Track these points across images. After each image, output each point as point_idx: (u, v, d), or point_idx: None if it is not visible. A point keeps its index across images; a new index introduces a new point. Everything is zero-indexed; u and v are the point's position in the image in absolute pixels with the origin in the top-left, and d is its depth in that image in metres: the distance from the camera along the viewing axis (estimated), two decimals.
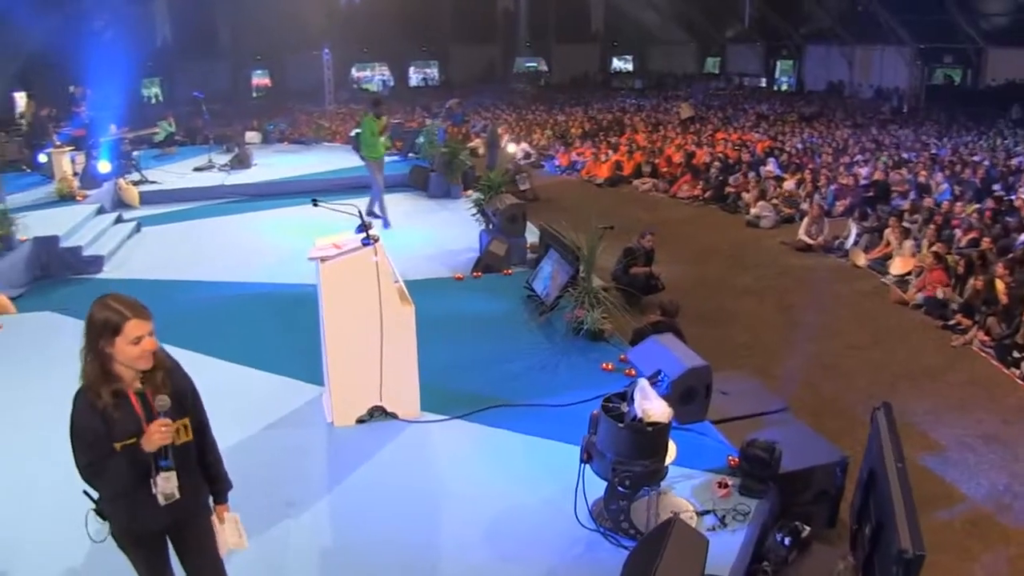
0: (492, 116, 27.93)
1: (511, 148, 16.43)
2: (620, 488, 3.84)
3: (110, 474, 2.65)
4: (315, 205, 5.13)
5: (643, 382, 4.03)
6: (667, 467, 4.03)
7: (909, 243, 10.41)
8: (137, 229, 11.35)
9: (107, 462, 2.63)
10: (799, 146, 17.35)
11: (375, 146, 11.28)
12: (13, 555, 4.05)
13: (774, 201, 13.76)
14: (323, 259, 5.00)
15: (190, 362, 6.24)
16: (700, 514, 4.19)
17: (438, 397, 5.63)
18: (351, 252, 4.98)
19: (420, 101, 31.00)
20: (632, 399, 3.95)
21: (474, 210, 10.54)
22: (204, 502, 3.04)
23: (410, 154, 16.11)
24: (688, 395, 5.14)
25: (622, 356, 6.34)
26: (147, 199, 12.97)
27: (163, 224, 11.82)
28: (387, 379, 5.25)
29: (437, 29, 40.08)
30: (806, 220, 12.16)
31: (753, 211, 13.43)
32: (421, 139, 15.61)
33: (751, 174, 14.93)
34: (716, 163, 15.62)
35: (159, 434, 2.63)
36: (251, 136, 18.81)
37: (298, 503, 4.47)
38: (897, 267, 10.16)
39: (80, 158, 12.82)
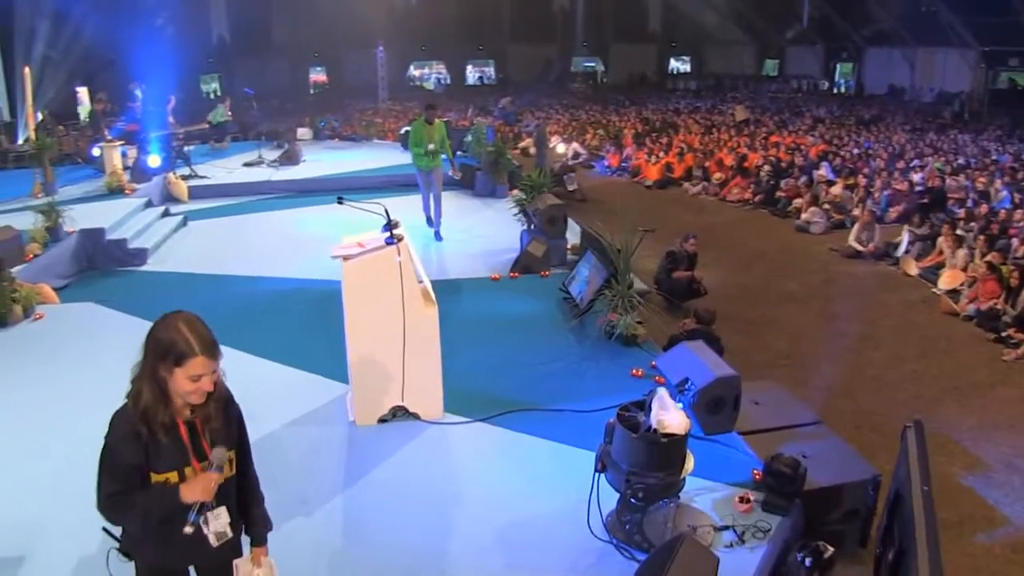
0: (544, 116, 27.87)
1: (560, 148, 16.33)
2: (633, 500, 3.73)
3: (138, 509, 2.42)
4: (340, 203, 5.11)
5: (662, 391, 3.91)
6: (684, 480, 3.91)
7: (962, 252, 10.01)
8: (183, 223, 11.57)
9: (135, 496, 2.42)
10: (854, 151, 16.85)
11: (418, 155, 10.28)
12: (38, 537, 4.13)
13: (825, 206, 13.40)
14: (346, 257, 4.99)
15: (233, 360, 6.42)
16: (718, 529, 4.05)
17: (463, 399, 5.59)
18: (374, 251, 4.96)
19: (475, 100, 31.10)
20: (649, 408, 3.84)
21: (516, 210, 10.47)
22: (236, 543, 2.77)
23: (458, 152, 16.12)
24: (716, 405, 4.99)
25: (653, 363, 6.20)
26: (195, 193, 13.22)
27: (209, 218, 12.03)
28: (409, 380, 5.22)
29: (494, 28, 40.21)
30: (856, 226, 11.81)
31: (803, 216, 13.10)
32: (469, 138, 15.61)
33: (803, 178, 14.57)
34: (767, 166, 15.27)
35: (203, 489, 2.45)
36: (302, 132, 19.06)
37: (311, 501, 4.46)
38: (946, 281, 9.78)
39: (132, 152, 13.16)
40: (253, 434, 5.08)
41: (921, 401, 7.36)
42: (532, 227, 9.77)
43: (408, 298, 5.03)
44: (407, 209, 9.51)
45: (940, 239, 10.53)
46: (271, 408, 5.57)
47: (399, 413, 5.33)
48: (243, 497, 2.79)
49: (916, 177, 13.86)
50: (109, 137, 12.39)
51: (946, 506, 5.72)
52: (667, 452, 3.69)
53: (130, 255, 9.82)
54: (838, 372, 7.99)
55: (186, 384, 2.42)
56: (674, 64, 43.01)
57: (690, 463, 3.86)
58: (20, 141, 15.01)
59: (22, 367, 6.51)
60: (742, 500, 4.26)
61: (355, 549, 4.09)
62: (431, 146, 10.12)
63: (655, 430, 3.66)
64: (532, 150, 17.84)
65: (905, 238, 11.24)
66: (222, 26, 33.94)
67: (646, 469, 3.70)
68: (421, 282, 5.22)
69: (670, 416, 3.72)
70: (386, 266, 4.93)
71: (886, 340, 8.76)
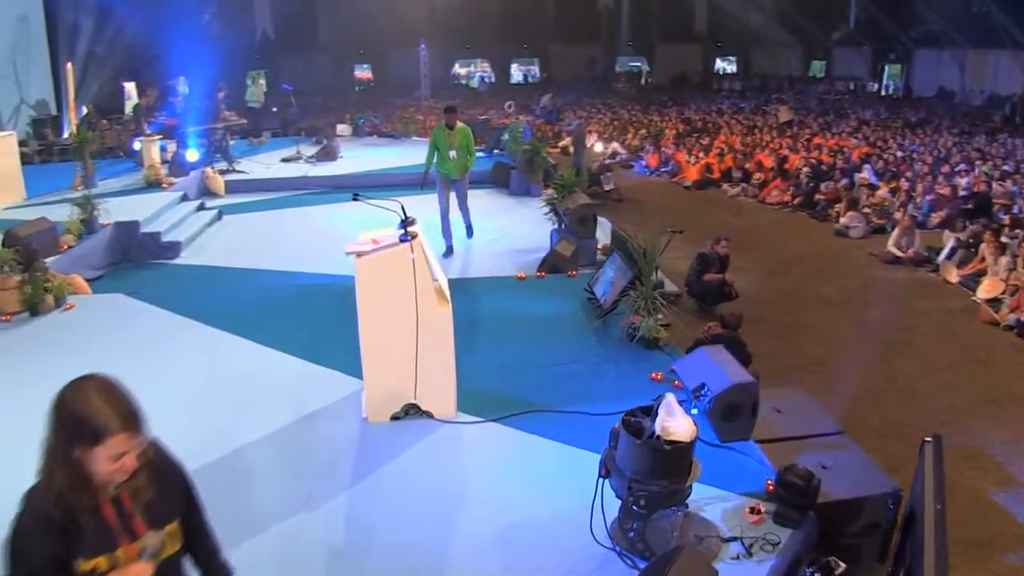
0: (586, 115, 27.73)
1: (598, 147, 16.19)
2: (635, 508, 3.65)
3: None
4: (355, 199, 5.11)
5: (669, 396, 3.82)
6: (691, 488, 3.81)
7: (1005, 259, 9.67)
8: (218, 217, 11.73)
9: None
10: (898, 154, 16.40)
11: (442, 160, 9.66)
12: None
13: (865, 210, 13.07)
14: (359, 254, 4.98)
15: (239, 349, 6.44)
16: (725, 540, 3.93)
17: (478, 398, 5.55)
18: (387, 248, 4.94)
19: (517, 98, 31.08)
20: (656, 414, 3.75)
21: (547, 209, 10.40)
22: None
23: (495, 151, 16.11)
24: (732, 412, 4.88)
25: (672, 367, 6.09)
26: (233, 188, 13.41)
27: (244, 213, 12.18)
28: (422, 378, 5.19)
29: (539, 27, 40.18)
30: (896, 231, 11.49)
31: (842, 220, 12.79)
32: (506, 136, 15.57)
33: (844, 181, 14.23)
34: (807, 168, 14.95)
35: None
36: (342, 129, 19.23)
37: (317, 496, 4.45)
38: (986, 290, 9.45)
39: (172, 147, 13.40)
40: (265, 427, 5.21)
41: (953, 412, 7.13)
42: (563, 226, 9.69)
43: (421, 296, 5.00)
44: (434, 207, 9.52)
45: (983, 246, 10.18)
46: (286, 402, 5.61)
47: (412, 411, 5.31)
48: (199, 558, 2.44)
49: (962, 182, 13.42)
50: (148, 132, 12.61)
51: (975, 523, 5.53)
52: (671, 460, 3.59)
53: (163, 248, 9.99)
54: (869, 380, 7.78)
55: (107, 464, 2.04)
56: (720, 65, 42.46)
57: (697, 471, 3.76)
58: (65, 135, 15.42)
59: (52, 356, 6.63)
60: (753, 511, 4.13)
61: (356, 547, 4.06)
62: (452, 153, 9.53)
63: (659, 437, 3.56)
64: (598, 148, 17.73)
65: (949, 244, 10.89)
66: (266, 23, 34.41)
67: (649, 476, 3.60)
68: (436, 281, 5.17)
69: (676, 423, 3.62)
70: (399, 263, 4.91)
71: (921, 348, 8.50)
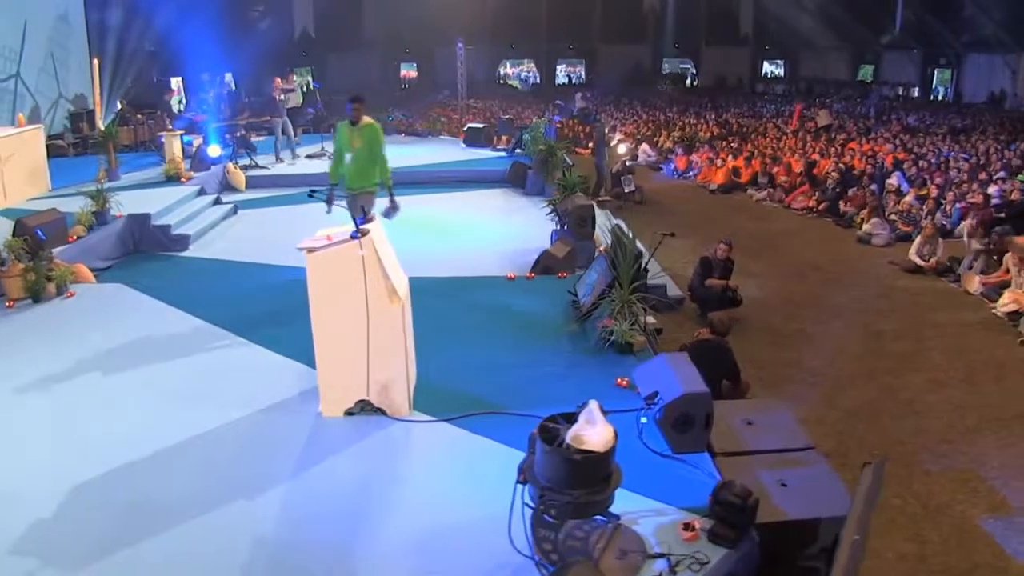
0: (622, 115, 27.47)
1: (621, 148, 15.99)
2: (546, 517, 3.52)
3: None
4: (311, 196, 5.09)
5: (592, 404, 3.68)
6: (610, 499, 3.66)
7: None
8: (233, 212, 11.87)
9: None
10: (933, 160, 15.80)
11: (334, 170, 7.59)
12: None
13: (892, 217, 12.62)
14: (310, 250, 4.95)
15: (220, 341, 6.49)
16: (650, 556, 3.78)
17: (437, 397, 5.52)
18: (337, 245, 4.91)
19: (556, 98, 30.96)
20: (575, 421, 3.62)
21: (548, 209, 10.27)
22: None
23: (516, 150, 16.03)
24: (684, 422, 4.71)
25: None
26: (253, 183, 13.56)
27: (259, 208, 12.30)
28: (374, 375, 5.16)
29: (585, 28, 40.01)
30: (918, 239, 11.07)
31: (865, 227, 12.38)
32: (527, 136, 15.47)
33: (873, 187, 13.77)
34: (834, 174, 14.51)
35: None
36: None
37: (253, 487, 4.48)
38: (1007, 303, 9.00)
39: (198, 141, 13.63)
40: (221, 418, 5.27)
41: (954, 431, 6.81)
42: (564, 227, 9.56)
43: (372, 293, 4.96)
44: (443, 206, 9.46)
45: (1007, 256, 9.71)
46: (250, 395, 5.68)
47: (367, 407, 5.27)
48: None
49: (992, 190, 12.84)
50: (170, 127, 12.84)
51: (957, 551, 5.27)
52: (583, 469, 3.46)
53: (173, 240, 10.15)
54: (869, 393, 7.50)
55: None
56: (768, 68, 41.65)
57: (616, 482, 3.61)
58: (101, 128, 15.84)
59: (43, 343, 6.86)
60: (687, 527, 3.96)
61: (274, 541, 4.06)
62: (348, 157, 7.42)
63: (569, 445, 3.43)
64: (622, 149, 17.54)
65: (970, 252, 10.44)
66: (307, 20, 34.85)
67: (561, 486, 3.48)
68: (389, 279, 5.10)
69: (590, 432, 3.49)
70: (348, 260, 4.88)
71: (930, 362, 8.16)
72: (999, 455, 6.38)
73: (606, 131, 22.96)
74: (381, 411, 5.26)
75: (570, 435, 3.45)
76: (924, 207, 12.56)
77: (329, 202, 7.21)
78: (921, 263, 10.80)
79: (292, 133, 14.84)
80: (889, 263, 11.34)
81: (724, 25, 39.70)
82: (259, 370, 6.18)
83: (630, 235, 8.70)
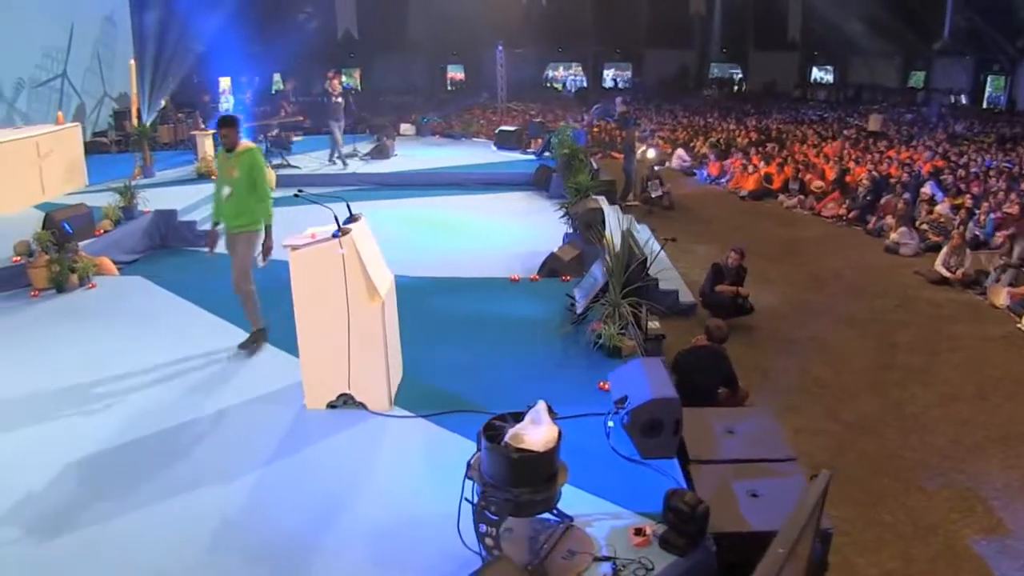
0: (661, 120, 27.28)
1: (650, 153, 15.90)
2: (487, 513, 3.58)
3: None
4: (297, 196, 5.24)
5: (540, 405, 3.73)
6: (554, 497, 3.69)
7: None
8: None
9: None
10: (975, 170, 15.35)
11: (217, 204, 6.62)
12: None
13: (923, 226, 12.33)
14: (293, 247, 5.09)
15: (225, 334, 6.89)
16: (597, 559, 3.80)
17: (419, 394, 5.63)
18: (318, 243, 5.03)
19: (595, 102, 30.92)
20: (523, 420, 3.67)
21: (561, 212, 10.29)
22: None
23: (545, 153, 16.08)
24: (652, 427, 4.71)
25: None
26: (283, 182, 13.81)
27: (285, 207, 12.53)
28: (355, 370, 5.28)
29: (632, 32, 39.87)
30: (945, 249, 10.80)
31: (892, 236, 12.11)
32: (554, 139, 15.50)
33: (906, 195, 13.45)
34: (864, 181, 14.21)
35: None
36: (405, 128, 19.61)
37: (226, 473, 4.67)
38: None
39: None
40: (208, 409, 5.45)
41: (959, 448, 6.63)
42: (575, 231, 9.58)
43: (352, 290, 5.07)
44: (464, 207, 9.45)
45: None
46: (240, 386, 5.91)
47: (348, 401, 5.40)
48: None
49: None
50: (203, 126, 13.21)
51: (944, 573, 5.14)
52: (521, 468, 3.50)
53: (198, 236, 10.43)
54: (875, 406, 7.36)
55: None
56: (817, 74, 40.91)
57: (560, 482, 3.65)
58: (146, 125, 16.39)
59: (65, 329, 7.24)
60: (638, 532, 3.97)
61: (245, 521, 4.26)
62: (226, 190, 6.42)
63: (507, 444, 3.48)
64: (651, 154, 17.44)
65: (997, 265, 10.14)
66: (350, 21, 35.34)
67: (502, 483, 3.53)
68: (370, 277, 5.21)
69: (532, 431, 3.54)
70: (329, 259, 5.01)
71: (942, 376, 7.96)
72: (1002, 475, 6.20)
73: (638, 135, 22.92)
74: (362, 405, 5.37)
75: (510, 434, 3.50)
76: (957, 217, 12.23)
77: (211, 244, 6.61)
78: (947, 274, 10.54)
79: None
80: (915, 273, 11.08)
81: (772, 30, 39.11)
82: (258, 363, 6.37)
83: (640, 240, 8.70)
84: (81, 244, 8.84)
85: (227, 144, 6.37)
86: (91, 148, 15.19)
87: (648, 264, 7.53)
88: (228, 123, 6.41)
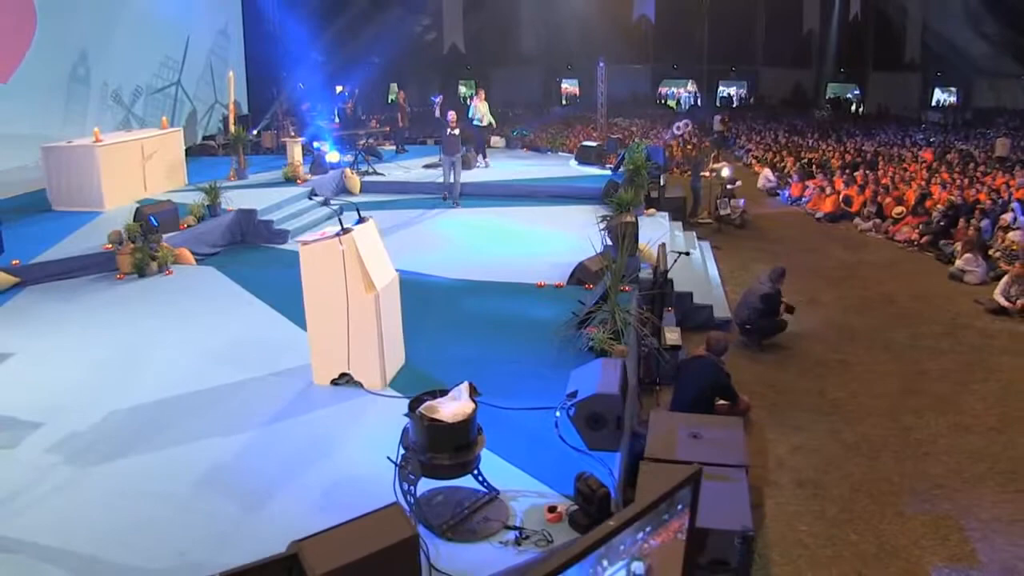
0: (759, 139, 26.96)
1: (725, 172, 15.96)
2: (408, 473, 4.12)
3: None
4: (311, 199, 5.96)
5: (464, 385, 4.24)
6: (469, 464, 4.19)
7: None
8: (339, 212, 13.09)
9: None
10: None
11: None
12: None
13: (996, 254, 11.91)
14: (304, 243, 5.83)
15: (268, 319, 7.99)
16: (507, 527, 4.26)
17: (416, 379, 6.22)
18: (323, 240, 5.75)
19: (682, 118, 30.81)
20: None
21: (602, 225, 10.67)
22: None
23: (620, 169, 16.41)
24: (595, 421, 5.11)
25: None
26: (367, 188, 14.86)
27: (364, 211, 13.48)
28: (353, 352, 5.98)
29: (747, 50, 39.53)
30: (1005, 278, 10.45)
31: (958, 263, 11.77)
32: (628, 155, 15.81)
33: (984, 222, 13.00)
34: (939, 206, 13.79)
35: None
36: (496, 141, 20.36)
37: (229, 428, 5.53)
38: None
39: (324, 147, 15.13)
40: (228, 378, 6.29)
41: (956, 479, 6.53)
42: (613, 243, 9.94)
43: (350, 282, 5.76)
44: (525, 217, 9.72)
45: None
46: (265, 363, 6.73)
47: (349, 379, 6.12)
48: None
49: None
50: (292, 133, 14.37)
51: None
52: (434, 436, 4.02)
53: (274, 234, 11.49)
54: (881, 431, 7.35)
55: None
56: (939, 95, 39.04)
57: (472, 452, 4.14)
58: (254, 132, 17.89)
59: (140, 307, 8.43)
60: (551, 510, 4.40)
61: (228, 464, 5.08)
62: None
63: (421, 414, 4.02)
64: (725, 172, 17.57)
65: None
66: (456, 36, 36.56)
67: (417, 449, 4.06)
68: (368, 271, 5.86)
69: (447, 405, 4.06)
70: (330, 254, 5.72)
71: (966, 407, 7.82)
72: (992, 509, 6.06)
73: (734, 153, 22.83)
74: (359, 384, 6.08)
75: (425, 405, 4.04)
76: None
77: None
78: (1006, 304, 10.20)
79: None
80: (975, 302, 10.76)
81: (894, 50, 37.77)
82: (287, 344, 7.11)
83: (680, 253, 8.99)
84: (165, 236, 9.95)
85: None
86: (200, 151, 16.80)
87: (666, 275, 7.86)
88: None
